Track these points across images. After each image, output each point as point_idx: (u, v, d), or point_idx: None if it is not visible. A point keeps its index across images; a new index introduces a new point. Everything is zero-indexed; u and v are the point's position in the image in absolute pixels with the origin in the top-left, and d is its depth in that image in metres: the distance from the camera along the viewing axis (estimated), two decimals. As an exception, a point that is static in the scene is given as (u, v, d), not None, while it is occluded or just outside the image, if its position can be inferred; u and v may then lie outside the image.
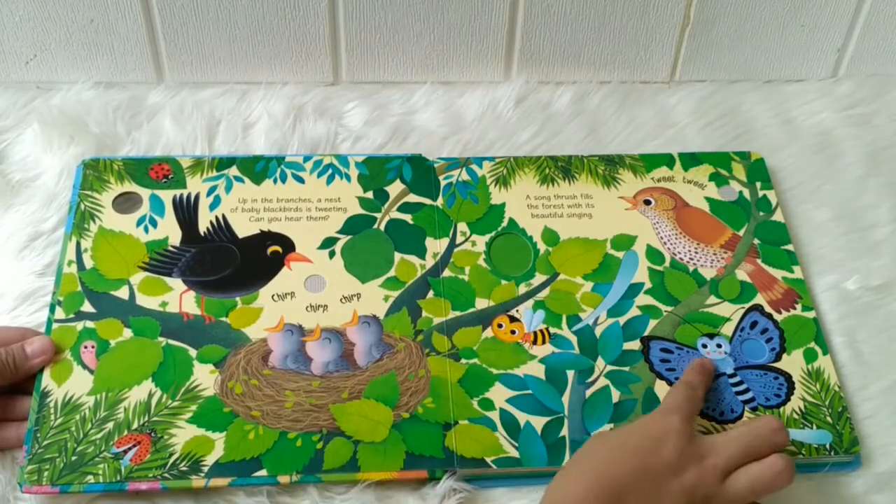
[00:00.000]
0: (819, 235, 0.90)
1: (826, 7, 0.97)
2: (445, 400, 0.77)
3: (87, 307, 0.80)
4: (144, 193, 0.87)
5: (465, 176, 0.90)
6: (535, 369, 0.79)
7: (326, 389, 0.77)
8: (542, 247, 0.86)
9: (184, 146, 0.93)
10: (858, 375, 0.81)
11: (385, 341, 0.80)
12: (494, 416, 0.76)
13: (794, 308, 0.83)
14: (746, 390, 0.78)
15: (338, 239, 0.85)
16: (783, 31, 0.98)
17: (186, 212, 0.86)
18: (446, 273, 0.84)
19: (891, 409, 0.79)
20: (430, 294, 0.83)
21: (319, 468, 0.73)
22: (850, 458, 0.76)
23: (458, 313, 0.82)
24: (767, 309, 0.83)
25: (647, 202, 0.89)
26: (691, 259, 0.86)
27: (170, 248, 0.84)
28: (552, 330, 0.81)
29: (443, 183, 0.89)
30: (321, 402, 0.76)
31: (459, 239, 0.86)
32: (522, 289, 0.83)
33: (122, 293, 0.81)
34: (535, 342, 0.80)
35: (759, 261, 0.86)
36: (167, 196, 0.87)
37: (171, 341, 0.78)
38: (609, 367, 0.79)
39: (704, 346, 0.81)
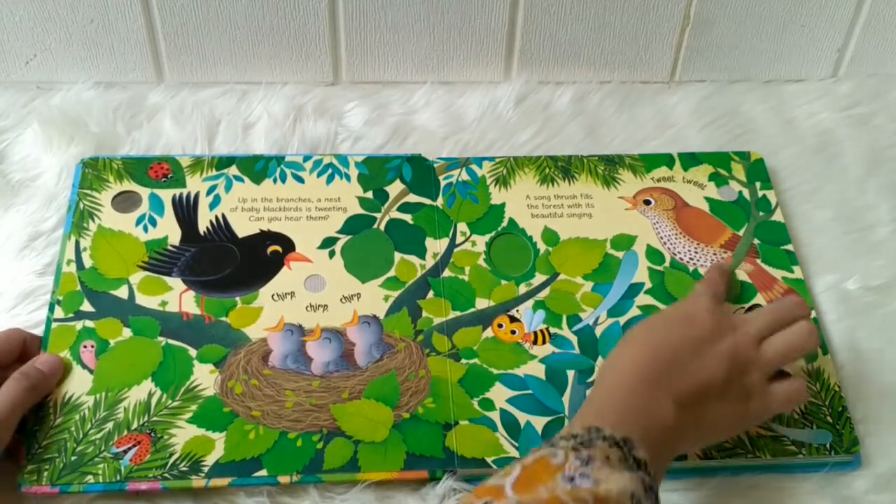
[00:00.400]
0: (819, 235, 0.90)
1: (826, 7, 0.97)
2: (446, 400, 0.77)
3: (86, 306, 0.79)
4: (144, 192, 0.87)
5: (464, 176, 0.90)
6: (536, 369, 0.79)
7: (327, 389, 0.77)
8: (542, 247, 0.86)
9: (184, 146, 0.93)
10: (858, 375, 0.81)
11: (385, 341, 0.80)
12: (495, 416, 0.76)
13: None
14: None
15: (338, 239, 0.85)
16: (783, 31, 0.98)
17: (186, 211, 0.86)
18: (446, 273, 0.84)
19: (890, 409, 0.79)
20: (431, 294, 0.83)
21: (320, 468, 0.73)
22: (851, 458, 0.76)
23: (458, 313, 0.82)
24: None
25: (647, 202, 0.89)
26: (691, 259, 0.86)
27: (169, 248, 0.83)
28: (552, 330, 0.81)
29: (443, 183, 0.89)
30: (321, 402, 0.76)
31: (459, 239, 0.86)
32: (522, 289, 0.83)
33: (122, 292, 0.80)
34: (535, 342, 0.80)
35: (758, 261, 0.86)
36: (167, 195, 0.87)
37: (170, 341, 0.78)
38: None
39: None
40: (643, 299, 0.83)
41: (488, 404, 0.77)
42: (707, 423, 0.68)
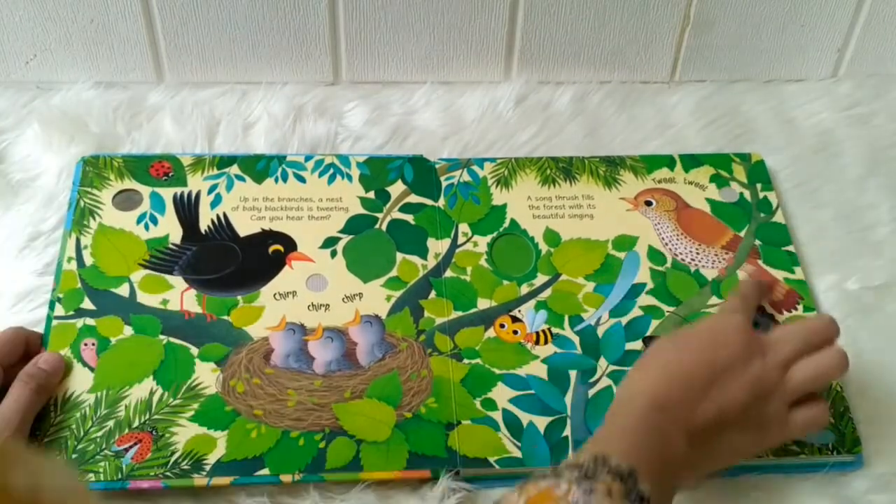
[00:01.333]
0: (819, 235, 0.90)
1: (826, 7, 0.97)
2: (448, 400, 0.76)
3: (87, 304, 0.79)
4: (145, 191, 0.87)
5: (466, 177, 0.90)
6: (538, 369, 0.79)
7: (329, 388, 0.76)
8: (543, 247, 0.86)
9: (184, 146, 0.93)
10: (859, 376, 0.80)
11: (387, 341, 0.80)
12: (497, 416, 0.76)
13: (796, 309, 0.83)
14: None
15: (339, 238, 0.85)
16: (783, 31, 0.99)
17: (187, 210, 0.86)
18: (448, 273, 0.84)
19: (891, 409, 0.79)
20: (433, 294, 0.83)
21: (322, 467, 0.72)
22: (853, 458, 0.76)
23: (460, 313, 0.81)
24: (769, 310, 0.83)
25: (649, 203, 0.89)
26: (693, 260, 0.86)
27: (170, 246, 0.83)
28: (554, 330, 0.81)
29: (444, 184, 0.89)
30: (323, 402, 0.76)
31: (461, 239, 0.86)
32: (524, 289, 0.83)
33: (123, 290, 0.80)
34: (537, 342, 0.80)
35: (760, 262, 0.86)
36: (168, 194, 0.87)
37: (172, 339, 0.78)
38: (612, 367, 0.79)
39: None
40: (645, 300, 0.83)
41: (490, 404, 0.76)
42: (719, 453, 0.68)
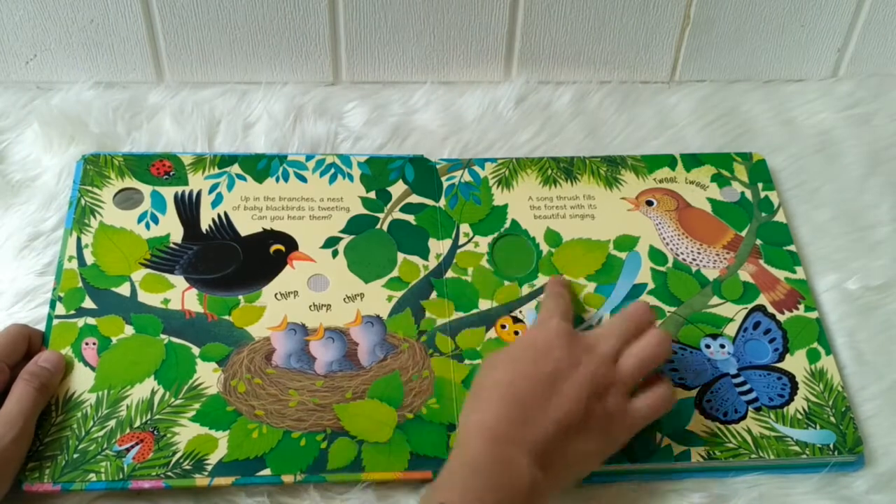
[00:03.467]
0: (819, 235, 0.90)
1: (826, 7, 0.97)
2: (450, 401, 0.76)
3: (88, 303, 0.79)
4: (146, 190, 0.86)
5: (467, 177, 0.90)
6: None
7: (330, 389, 0.76)
8: (544, 248, 0.86)
9: (184, 146, 0.92)
10: (859, 375, 0.80)
11: (389, 341, 0.79)
12: None
13: (797, 308, 0.83)
14: (750, 390, 0.78)
15: (341, 238, 0.85)
16: (783, 31, 0.99)
17: (188, 209, 0.85)
18: (449, 274, 0.84)
19: (891, 409, 0.79)
20: (434, 295, 0.82)
21: (324, 468, 0.72)
22: (854, 458, 0.76)
23: (461, 314, 0.81)
24: (770, 309, 0.83)
25: (650, 203, 0.89)
26: (694, 260, 0.86)
27: (171, 245, 0.83)
28: None
29: (445, 184, 0.89)
30: (325, 402, 0.75)
31: (462, 240, 0.86)
32: (525, 289, 0.83)
33: (124, 290, 0.80)
34: None
35: (761, 261, 0.86)
36: (168, 193, 0.86)
37: (173, 339, 0.78)
38: None
39: (708, 346, 0.80)
40: (646, 300, 0.83)
41: None
42: (569, 465, 0.68)
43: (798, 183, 0.94)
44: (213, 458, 0.72)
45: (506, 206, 0.88)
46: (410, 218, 0.87)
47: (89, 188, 0.86)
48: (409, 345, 0.79)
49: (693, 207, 0.89)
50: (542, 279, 0.84)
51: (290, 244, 0.84)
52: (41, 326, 0.78)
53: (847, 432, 0.76)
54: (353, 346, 0.79)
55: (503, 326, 0.81)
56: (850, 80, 1.02)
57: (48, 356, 0.75)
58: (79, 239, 0.83)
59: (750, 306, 0.83)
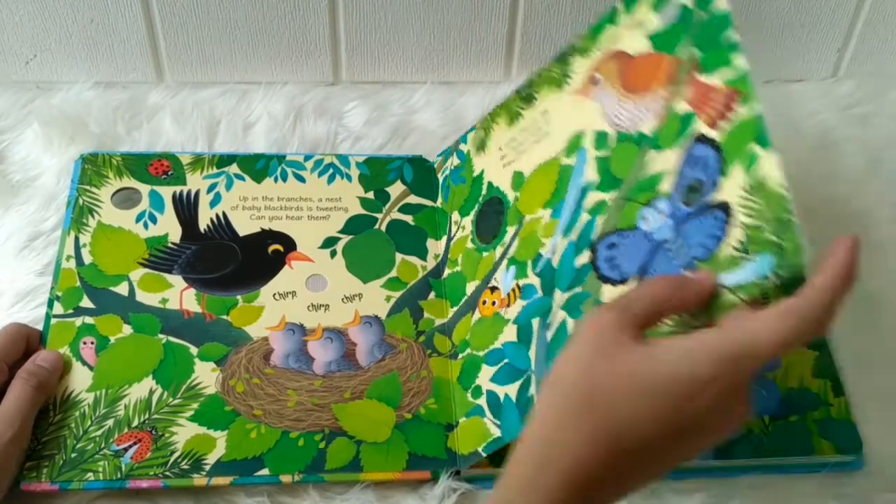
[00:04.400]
0: (819, 236, 0.89)
1: (826, 7, 0.97)
2: (448, 401, 0.76)
3: (86, 303, 0.79)
4: (144, 189, 0.86)
5: (455, 161, 0.89)
6: (510, 334, 0.75)
7: (328, 389, 0.76)
8: (511, 196, 0.81)
9: (184, 146, 0.92)
10: (859, 376, 0.80)
11: (387, 342, 0.79)
12: (482, 401, 0.74)
13: (731, 111, 0.63)
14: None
15: (339, 239, 0.85)
16: (783, 31, 0.99)
17: (186, 209, 0.86)
18: (446, 272, 0.83)
19: (891, 410, 0.79)
20: (432, 295, 0.82)
21: (322, 468, 0.72)
22: (853, 458, 0.75)
23: (454, 309, 0.81)
24: (705, 131, 0.64)
25: (595, 81, 0.76)
26: (632, 121, 0.71)
27: (170, 245, 0.83)
28: (521, 282, 0.75)
29: (441, 179, 0.89)
30: (323, 402, 0.75)
31: (454, 230, 0.85)
32: (499, 251, 0.80)
33: (122, 289, 0.80)
34: (509, 304, 0.76)
35: (697, 75, 0.66)
36: (167, 192, 0.86)
37: (171, 338, 0.78)
38: (564, 296, 0.71)
39: (644, 218, 0.67)
40: (591, 199, 0.72)
41: (478, 392, 0.75)
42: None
43: (798, 183, 0.93)
44: (212, 458, 0.72)
45: (482, 172, 0.85)
46: (409, 218, 0.87)
47: (87, 187, 0.86)
48: (407, 345, 0.79)
49: (633, 57, 0.73)
50: (509, 232, 0.79)
51: (289, 244, 0.84)
52: (40, 327, 0.78)
53: (786, 245, 0.57)
54: (352, 347, 0.79)
55: (484, 302, 0.79)
56: (850, 80, 1.02)
57: (46, 355, 0.75)
58: (77, 238, 0.83)
59: (686, 144, 0.65)
